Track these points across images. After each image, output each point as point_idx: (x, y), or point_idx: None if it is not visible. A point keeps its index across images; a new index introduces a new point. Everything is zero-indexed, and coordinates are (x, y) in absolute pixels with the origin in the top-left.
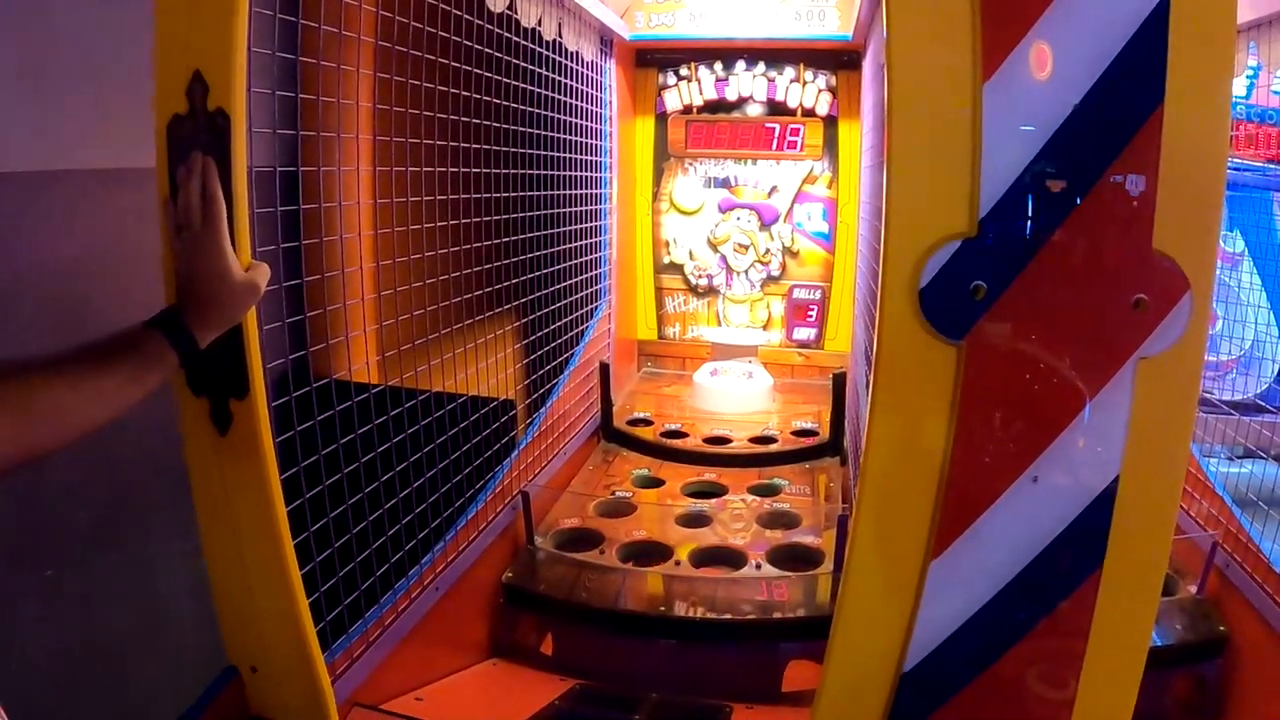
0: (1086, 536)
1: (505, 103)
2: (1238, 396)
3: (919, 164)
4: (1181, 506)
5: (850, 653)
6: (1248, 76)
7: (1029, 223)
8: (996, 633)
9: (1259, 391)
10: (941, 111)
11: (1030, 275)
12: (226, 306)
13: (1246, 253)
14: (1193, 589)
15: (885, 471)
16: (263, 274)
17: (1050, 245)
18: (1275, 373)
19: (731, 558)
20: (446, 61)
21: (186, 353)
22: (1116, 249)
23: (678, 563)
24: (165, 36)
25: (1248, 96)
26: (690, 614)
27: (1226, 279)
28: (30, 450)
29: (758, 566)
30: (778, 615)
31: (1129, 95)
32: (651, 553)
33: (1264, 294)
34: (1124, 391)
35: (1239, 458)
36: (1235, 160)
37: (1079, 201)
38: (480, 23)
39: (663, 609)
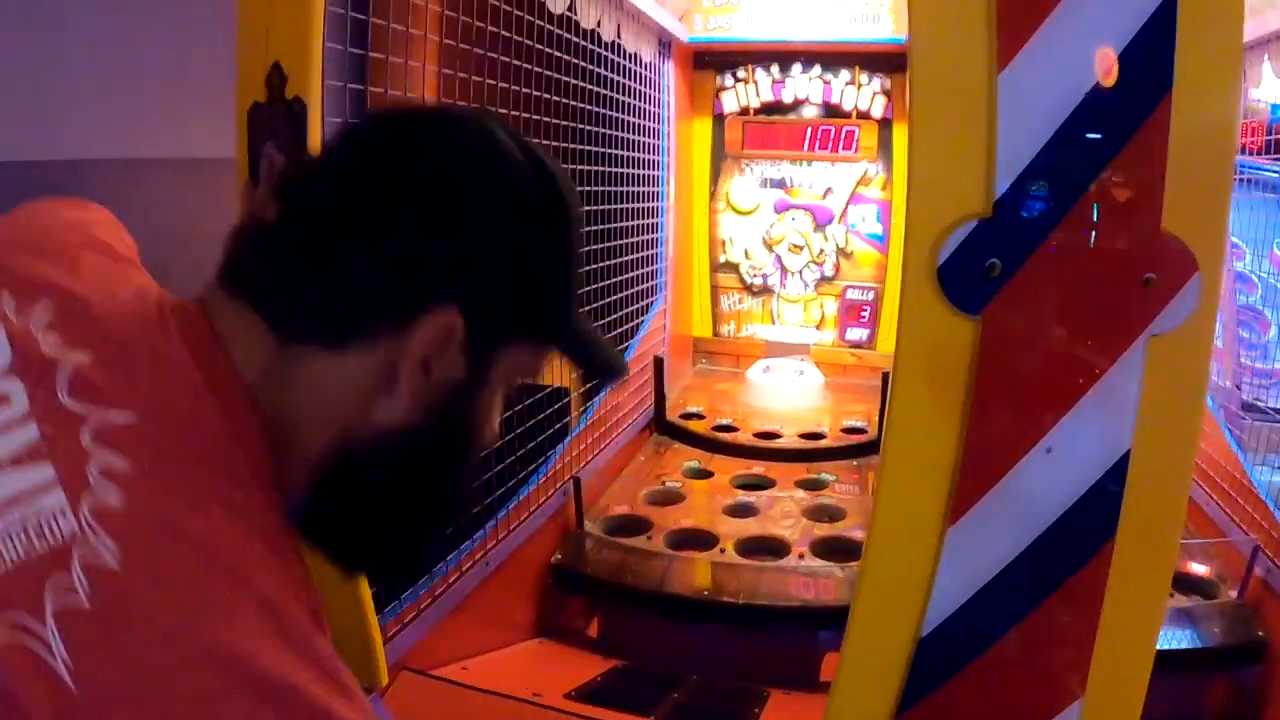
0: (1099, 506)
1: (565, 100)
2: None
3: (938, 148)
4: (1225, 510)
5: (870, 616)
6: None
7: (1041, 205)
8: (1012, 599)
9: None
10: (959, 99)
11: (1042, 254)
12: None
13: None
14: (1233, 594)
15: (906, 441)
16: None
17: (1061, 226)
18: None
19: (776, 548)
20: (508, 60)
21: None
22: (1126, 230)
23: (723, 550)
24: (246, 29)
25: None
26: (733, 600)
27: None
28: None
29: (801, 558)
30: (819, 605)
31: (1138, 84)
32: (697, 540)
33: None
34: (1135, 367)
35: None
36: None
37: (1089, 185)
38: (541, 23)
39: (706, 594)
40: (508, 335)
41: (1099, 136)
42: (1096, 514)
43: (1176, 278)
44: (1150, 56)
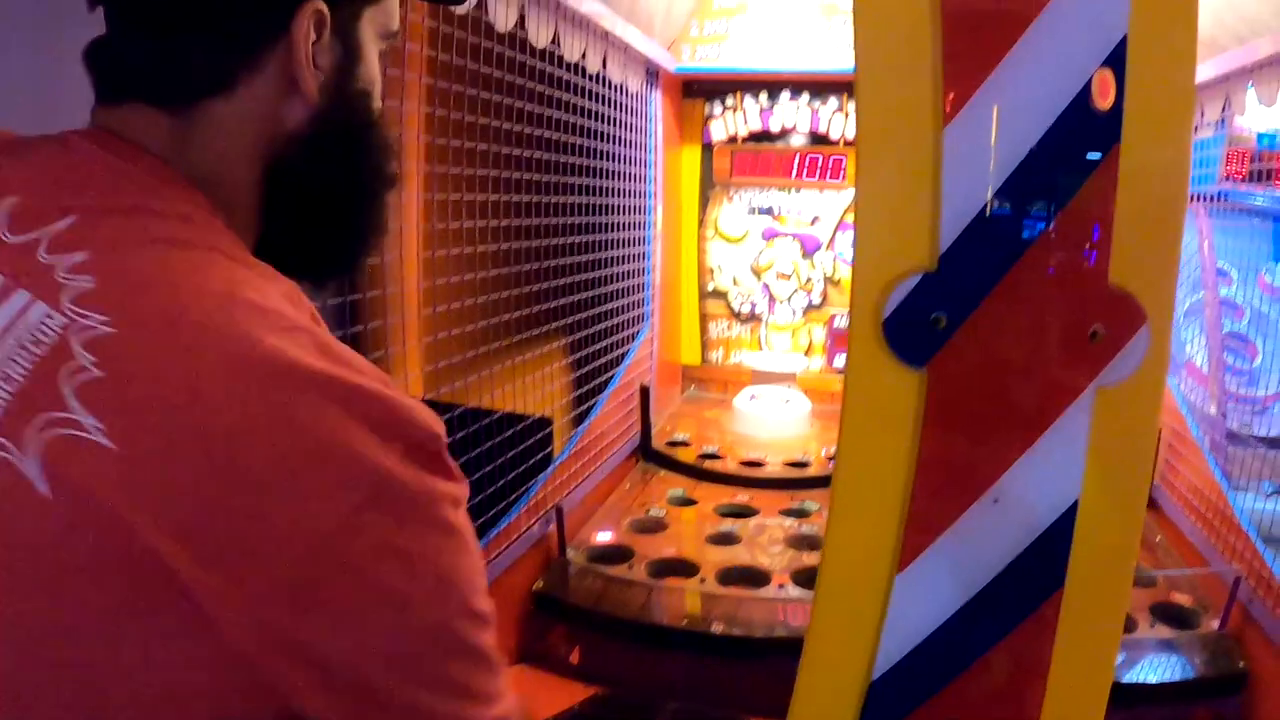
0: (1047, 556)
1: (552, 134)
2: (1274, 432)
3: (883, 202)
4: (1208, 540)
5: (820, 661)
6: None
7: (987, 257)
8: (960, 646)
9: None
10: (904, 153)
11: (988, 307)
12: None
13: None
14: (1215, 624)
15: (854, 488)
16: None
17: (1007, 279)
18: None
19: (757, 577)
20: (494, 96)
21: None
22: (1073, 282)
23: (703, 580)
24: None
25: None
26: (712, 630)
27: (1269, 311)
28: None
29: (781, 586)
30: (798, 634)
31: (1085, 136)
32: (679, 569)
33: None
34: (1082, 419)
35: (1270, 495)
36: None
37: (1035, 237)
38: (524, 58)
39: (686, 623)
40: (360, 2)
41: (1045, 189)
42: (1044, 564)
43: (1124, 330)
44: (1099, 110)
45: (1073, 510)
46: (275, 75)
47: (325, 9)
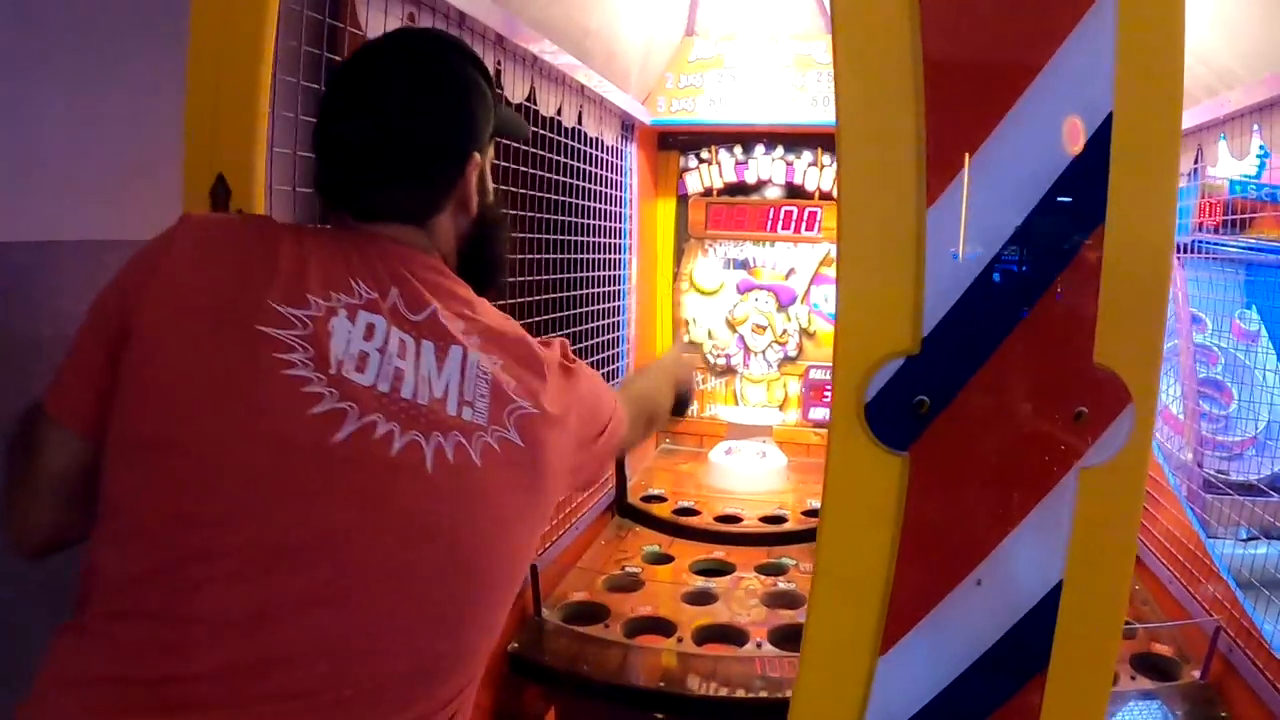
0: (1031, 638)
1: (527, 191)
2: (1249, 478)
3: (866, 285)
4: (1187, 589)
5: None
6: (1257, 157)
7: (971, 341)
8: None
9: (1272, 473)
10: (887, 235)
11: (972, 390)
12: None
13: (1264, 331)
14: (1196, 674)
15: (836, 571)
16: None
17: (991, 361)
18: None
19: (734, 635)
20: None
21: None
22: (1057, 363)
23: (680, 639)
24: (193, 139)
25: (1258, 176)
26: (689, 690)
27: (1243, 357)
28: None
29: (759, 645)
30: (776, 693)
31: (1069, 217)
32: (656, 628)
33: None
34: (1066, 500)
35: (1245, 541)
36: (1250, 240)
37: (1019, 319)
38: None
39: (662, 684)
40: (485, 151)
41: (1030, 271)
42: (1028, 645)
43: (1109, 410)
44: (1082, 190)
45: (1056, 591)
46: (458, 198)
47: (480, 158)
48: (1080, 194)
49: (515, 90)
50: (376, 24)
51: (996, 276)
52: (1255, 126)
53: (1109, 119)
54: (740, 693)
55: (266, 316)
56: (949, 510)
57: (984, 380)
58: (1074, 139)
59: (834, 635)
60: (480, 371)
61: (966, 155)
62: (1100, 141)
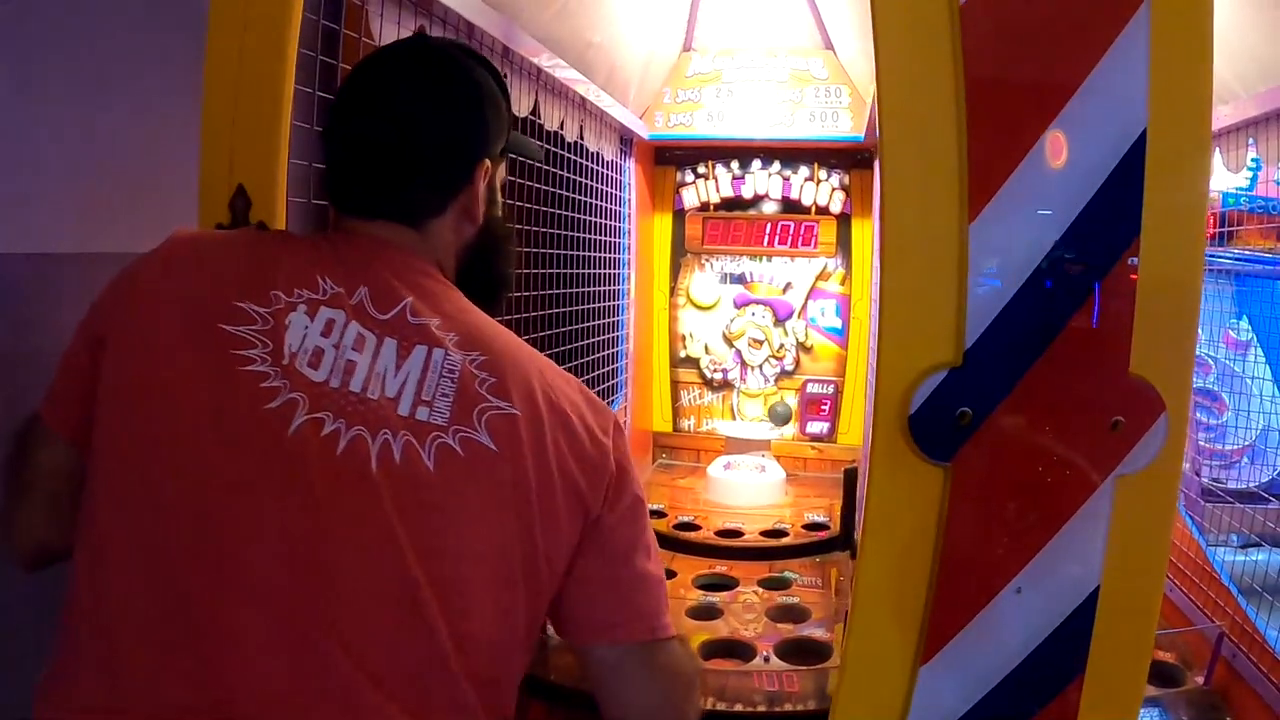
0: (1069, 644)
1: (528, 205)
2: (1244, 485)
3: (908, 298)
4: (1189, 597)
5: None
6: (1249, 170)
7: (1012, 352)
8: None
9: (1266, 480)
10: (930, 250)
11: (1012, 401)
12: None
13: (1255, 341)
14: (1199, 680)
15: (878, 583)
16: None
17: (1031, 373)
18: None
19: (741, 650)
20: None
21: None
22: (1094, 375)
23: None
24: (210, 149)
25: (1251, 188)
26: (700, 705)
27: (1235, 367)
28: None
29: (766, 659)
30: (786, 707)
31: (1107, 232)
32: None
33: (1271, 382)
34: (1103, 508)
35: (1245, 547)
36: (1243, 251)
37: (1059, 331)
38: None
39: None
40: (497, 160)
41: (1068, 284)
42: (1066, 651)
43: (1144, 419)
44: (1118, 206)
45: (1094, 597)
46: (463, 205)
47: (490, 165)
48: (1116, 207)
49: (521, 104)
50: (389, 34)
51: (1036, 289)
52: (1250, 140)
53: (1144, 135)
54: (754, 707)
55: (231, 315)
56: (990, 520)
57: (1024, 391)
58: (1109, 153)
59: (876, 645)
60: (447, 370)
61: (1007, 170)
62: (1135, 155)
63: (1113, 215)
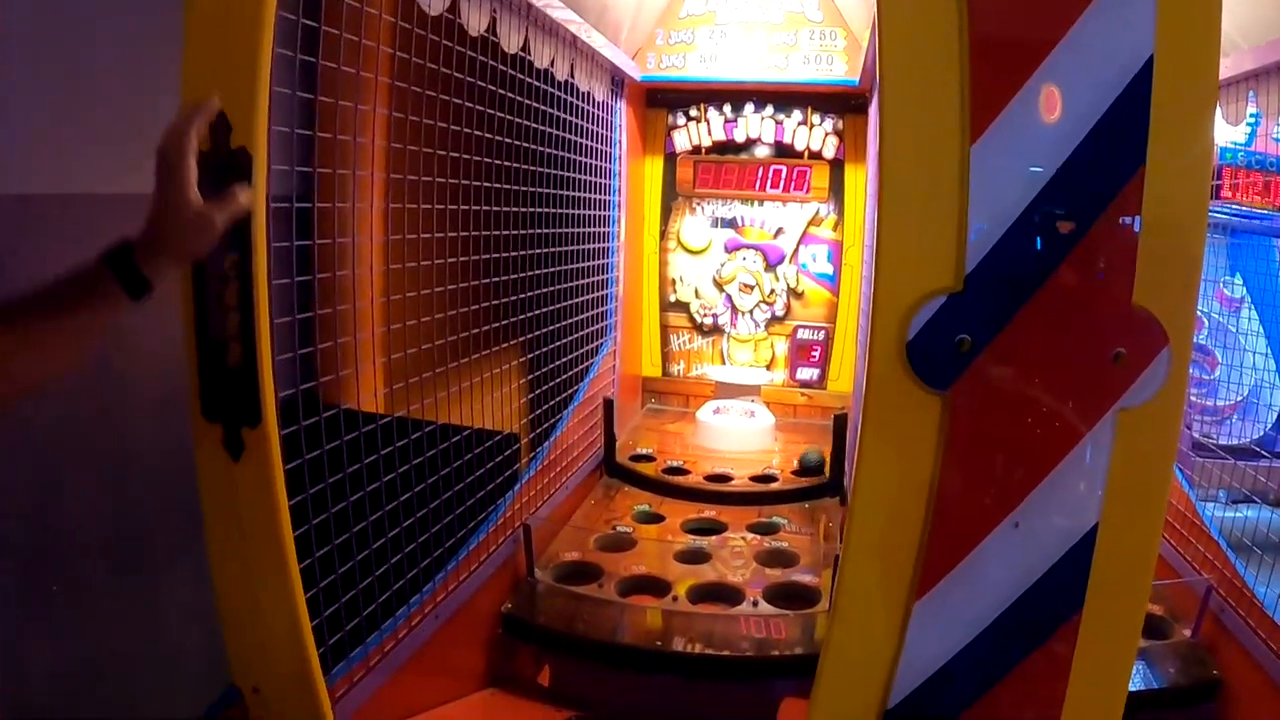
0: (1067, 580)
1: (517, 142)
2: (1236, 441)
3: (907, 222)
4: (1177, 550)
5: (836, 687)
6: (1248, 124)
7: (1012, 279)
8: (978, 672)
9: (1257, 437)
10: (930, 172)
11: (1013, 329)
12: (178, 240)
13: (1247, 297)
14: (1187, 633)
15: (872, 515)
16: (223, 209)
17: (1033, 301)
18: (1275, 418)
19: (729, 594)
20: (460, 101)
21: (136, 294)
22: (1097, 304)
23: (675, 598)
24: (191, 76)
25: (1248, 144)
26: (686, 649)
27: (1227, 323)
28: None
29: (754, 604)
30: (773, 653)
31: (1112, 157)
32: (650, 588)
33: (1264, 339)
34: (1104, 441)
35: (1236, 502)
36: (1237, 206)
37: (1061, 259)
38: (493, 64)
39: (659, 644)
40: None
41: (1072, 210)
42: (1064, 588)
43: (1147, 352)
44: (1124, 132)
45: (1092, 534)
46: None
47: None
48: (1122, 135)
49: (510, 40)
50: None
51: (1039, 215)
52: (1250, 93)
53: (1149, 62)
54: (739, 650)
55: None
56: (988, 452)
57: (1026, 319)
58: (1116, 77)
59: (869, 580)
60: None
61: (1011, 90)
62: (1141, 84)
63: (1119, 141)
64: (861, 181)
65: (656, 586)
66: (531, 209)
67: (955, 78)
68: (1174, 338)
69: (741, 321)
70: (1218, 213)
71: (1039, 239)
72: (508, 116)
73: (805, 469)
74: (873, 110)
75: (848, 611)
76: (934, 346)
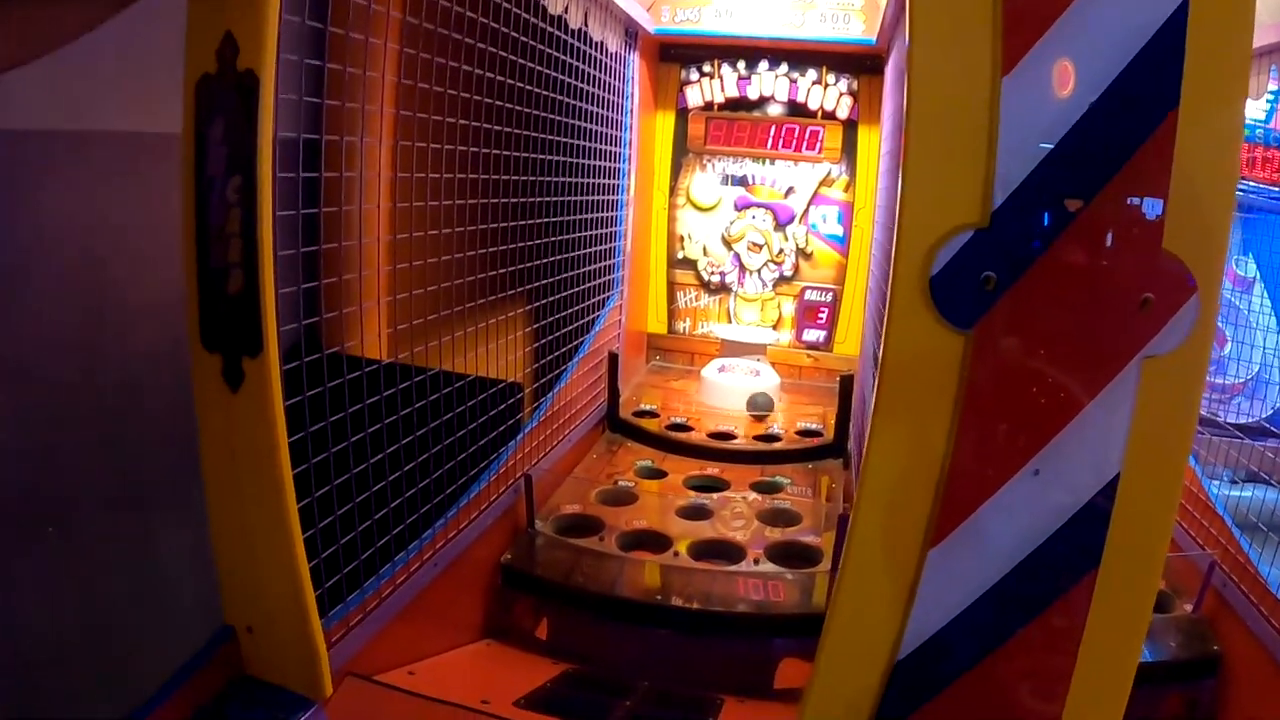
0: (1085, 532)
1: (528, 87)
2: (1244, 420)
3: (935, 153)
4: (1181, 525)
5: (845, 637)
6: (1268, 100)
7: (1041, 217)
8: (991, 625)
9: (1266, 415)
10: (960, 101)
11: (1040, 269)
12: None
13: (1259, 277)
14: (1188, 607)
15: (888, 457)
16: None
17: (1061, 240)
18: None
19: (730, 552)
20: (472, 41)
21: None
22: (1126, 247)
23: (676, 554)
24: None
25: (1268, 120)
26: (686, 605)
27: (1238, 302)
28: (8, 61)
29: (756, 562)
30: (773, 611)
31: (1145, 97)
32: (650, 542)
33: (1274, 318)
34: (1128, 389)
35: (1242, 481)
36: (1251, 183)
37: (1092, 199)
38: (507, 5)
39: (659, 598)
40: None
41: (1103, 149)
42: (1083, 539)
43: (1174, 299)
44: (1158, 70)
45: (1114, 484)
46: None
47: None
48: (1155, 76)
49: None
50: None
51: (1069, 152)
52: (1273, 68)
53: (1185, 4)
54: (739, 607)
55: None
56: (1009, 395)
57: (1052, 259)
58: (1152, 14)
59: (883, 525)
60: None
61: (1045, 22)
62: (1176, 23)
63: (1152, 82)
64: (875, 143)
65: (657, 542)
66: (541, 156)
67: (988, 10)
68: (1202, 286)
69: (749, 280)
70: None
71: (1068, 178)
72: (520, 61)
73: (754, 409)
74: (889, 69)
75: (860, 558)
76: (957, 284)
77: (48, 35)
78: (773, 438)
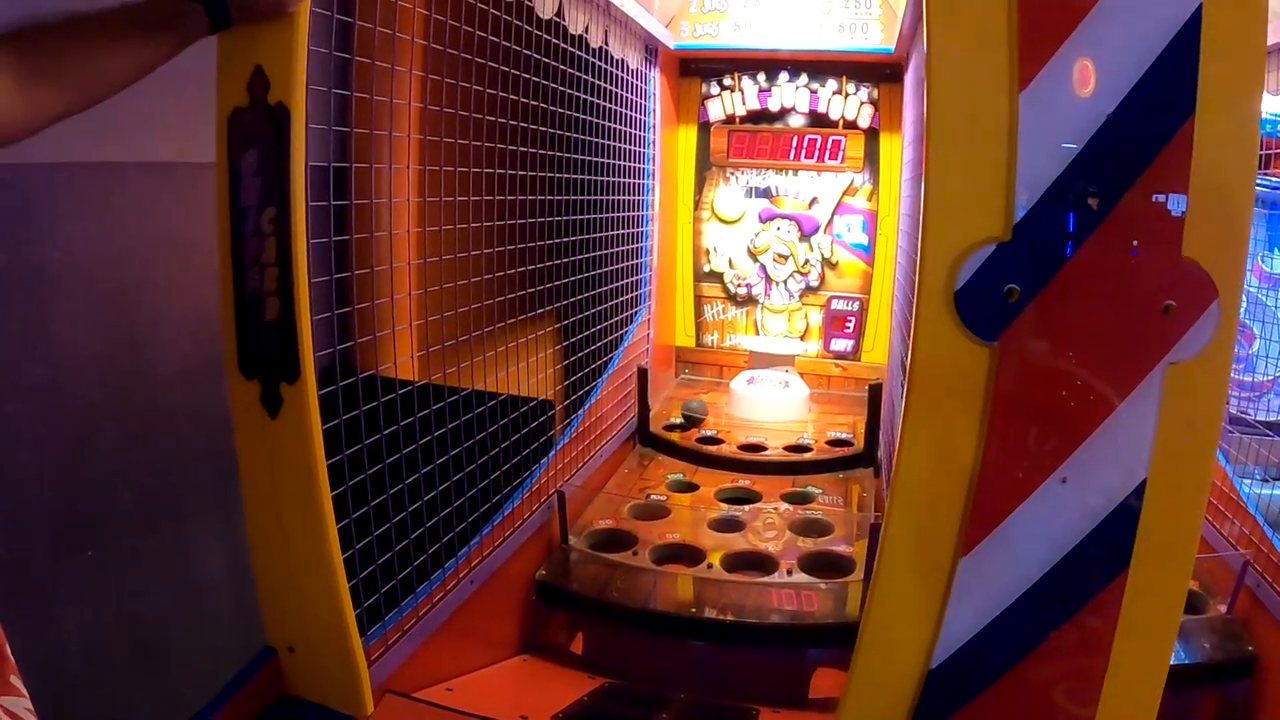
0: (1114, 537)
1: (551, 107)
2: (1274, 417)
3: (956, 168)
4: (1213, 525)
5: (878, 647)
6: None
7: (1062, 228)
8: (1023, 631)
9: None
10: (979, 117)
11: (1062, 279)
12: None
13: None
14: (1222, 608)
15: (918, 468)
16: None
17: (1082, 251)
18: None
19: (763, 563)
20: (494, 65)
21: (217, 26)
22: (1147, 255)
23: (709, 566)
24: (229, 31)
25: None
26: (720, 617)
27: (1265, 300)
28: (66, 108)
29: (789, 573)
30: (807, 622)
31: (1161, 106)
32: (683, 556)
33: None
34: (1152, 396)
35: (1274, 479)
36: (1275, 179)
37: (1111, 208)
38: (528, 28)
39: (693, 611)
40: None
41: (1121, 159)
42: (1111, 545)
43: (1196, 305)
44: (1174, 78)
45: (1141, 489)
46: None
47: None
48: (1171, 83)
49: (545, 6)
50: None
51: (1089, 163)
52: None
53: (1199, 9)
54: (773, 619)
55: None
56: (1036, 405)
57: (1075, 270)
58: (1167, 23)
59: (914, 534)
60: None
61: (1061, 35)
62: (1191, 31)
63: (1169, 90)
64: (897, 151)
65: (690, 555)
66: (566, 175)
67: (1004, 24)
68: (1223, 291)
69: (775, 292)
70: (1259, 185)
71: (1089, 189)
72: (542, 81)
73: (687, 417)
74: (908, 77)
75: (892, 569)
76: (982, 296)
77: (105, 82)
78: (803, 448)
